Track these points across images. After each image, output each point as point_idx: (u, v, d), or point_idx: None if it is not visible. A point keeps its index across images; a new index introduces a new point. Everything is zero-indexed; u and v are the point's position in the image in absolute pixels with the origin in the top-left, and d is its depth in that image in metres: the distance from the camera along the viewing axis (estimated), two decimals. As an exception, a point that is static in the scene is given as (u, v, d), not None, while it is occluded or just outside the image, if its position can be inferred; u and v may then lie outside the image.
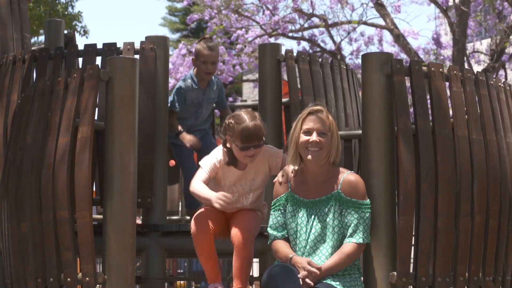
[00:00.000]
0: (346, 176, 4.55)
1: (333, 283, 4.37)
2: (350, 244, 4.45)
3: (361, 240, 4.46)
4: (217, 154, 4.87)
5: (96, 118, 4.94)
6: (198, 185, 4.76)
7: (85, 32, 18.83)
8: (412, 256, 4.64)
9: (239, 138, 4.70)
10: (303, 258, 4.44)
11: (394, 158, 4.67)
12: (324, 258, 4.46)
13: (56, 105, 4.85)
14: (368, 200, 4.53)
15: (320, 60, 6.28)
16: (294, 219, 4.59)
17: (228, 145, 4.81)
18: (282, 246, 4.58)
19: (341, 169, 4.62)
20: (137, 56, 5.80)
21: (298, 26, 17.52)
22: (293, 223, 4.58)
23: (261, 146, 4.77)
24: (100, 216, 5.54)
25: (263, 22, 17.22)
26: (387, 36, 18.81)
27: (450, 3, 16.23)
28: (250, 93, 27.40)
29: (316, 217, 4.52)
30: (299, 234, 4.55)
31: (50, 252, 4.71)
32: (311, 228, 4.52)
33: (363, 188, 4.54)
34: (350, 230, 4.46)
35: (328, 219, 4.49)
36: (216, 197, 4.63)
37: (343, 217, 4.48)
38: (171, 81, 18.58)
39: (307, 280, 4.34)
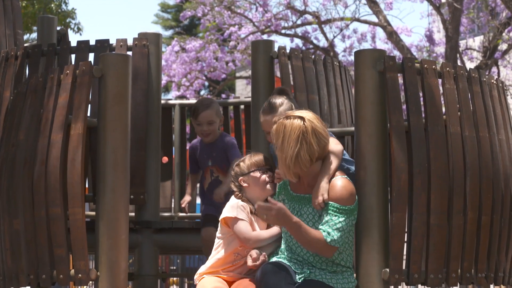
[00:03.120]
0: (333, 180, 4.43)
1: (325, 280, 4.37)
2: (321, 234, 4.32)
3: (328, 239, 4.30)
4: (238, 204, 4.66)
5: (88, 114, 4.93)
6: (257, 234, 4.60)
7: (79, 29, 18.81)
8: (404, 252, 4.64)
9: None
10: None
11: (386, 155, 4.67)
12: (303, 254, 4.43)
13: (49, 101, 4.84)
14: (347, 206, 4.37)
15: (313, 57, 6.28)
16: None
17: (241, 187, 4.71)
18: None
19: (337, 173, 4.48)
20: (129, 53, 5.79)
21: (290, 23, 17.54)
22: None
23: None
24: (93, 213, 5.53)
25: (256, 19, 17.22)
26: (380, 33, 18.86)
27: (443, 0, 16.26)
28: (243, 90, 27.42)
29: (297, 212, 4.49)
30: None
31: (43, 249, 4.70)
32: None
33: (344, 193, 4.38)
34: (320, 226, 4.34)
35: (307, 218, 4.44)
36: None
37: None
38: (164, 78, 18.58)
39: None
